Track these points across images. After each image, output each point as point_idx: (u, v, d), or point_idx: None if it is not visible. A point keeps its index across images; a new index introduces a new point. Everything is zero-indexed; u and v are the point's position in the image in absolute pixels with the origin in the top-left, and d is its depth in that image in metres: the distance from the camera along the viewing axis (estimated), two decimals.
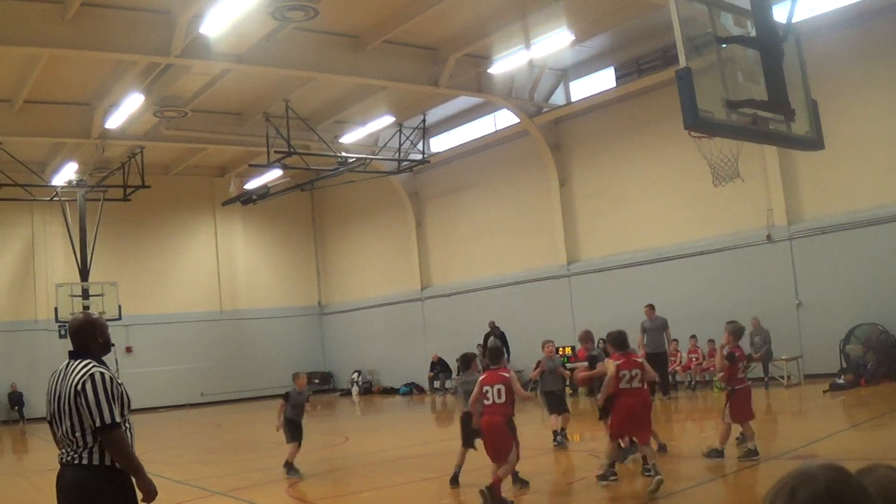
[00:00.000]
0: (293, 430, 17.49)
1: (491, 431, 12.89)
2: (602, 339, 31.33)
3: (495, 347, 14.04)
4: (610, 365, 13.47)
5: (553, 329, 32.33)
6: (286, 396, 17.74)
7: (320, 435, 27.22)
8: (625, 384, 13.27)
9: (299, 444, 17.40)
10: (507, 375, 13.10)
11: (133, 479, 6.73)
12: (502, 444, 12.90)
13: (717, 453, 14.40)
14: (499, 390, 12.81)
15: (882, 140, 25.81)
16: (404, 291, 43.86)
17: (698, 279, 30.14)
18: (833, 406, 22.32)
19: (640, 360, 13.88)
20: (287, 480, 16.61)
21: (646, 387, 13.82)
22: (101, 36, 25.30)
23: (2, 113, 32.25)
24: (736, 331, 14.97)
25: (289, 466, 17.15)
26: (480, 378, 13.07)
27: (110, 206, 37.81)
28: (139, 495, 6.80)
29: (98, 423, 6.43)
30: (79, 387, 6.48)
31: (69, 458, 6.55)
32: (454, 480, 14.50)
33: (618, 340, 13.98)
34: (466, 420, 14.76)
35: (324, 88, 33.26)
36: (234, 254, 47.87)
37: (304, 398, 18.03)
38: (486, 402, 12.82)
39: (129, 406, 6.79)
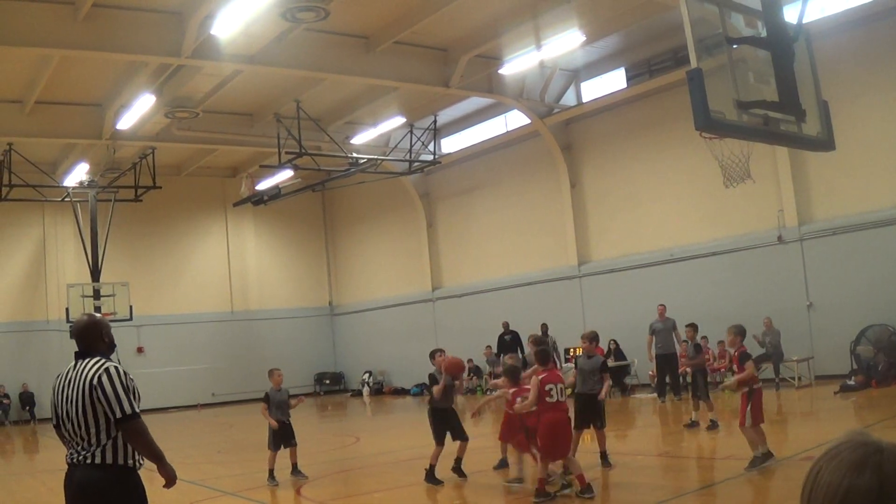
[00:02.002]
0: (283, 433, 16.93)
1: (557, 428, 12.92)
2: (614, 341, 31.56)
3: (544, 350, 13.97)
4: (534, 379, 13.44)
5: (564, 330, 32.40)
6: (266, 398, 17.21)
7: (332, 435, 27.30)
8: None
9: (295, 444, 17.05)
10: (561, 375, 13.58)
11: (156, 468, 6.79)
12: (566, 441, 13.08)
13: (762, 458, 13.63)
14: (560, 389, 12.97)
15: (893, 140, 25.76)
16: (415, 292, 43.89)
17: (709, 280, 30.09)
18: (844, 407, 22.27)
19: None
20: (300, 481, 16.61)
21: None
22: (113, 37, 25.33)
23: (13, 114, 32.31)
24: (741, 331, 14.64)
25: (270, 473, 16.66)
26: (541, 377, 13.00)
27: (122, 206, 37.91)
28: (160, 485, 6.87)
29: (119, 414, 6.48)
30: (94, 381, 6.52)
31: (79, 457, 6.56)
32: (431, 477, 15.08)
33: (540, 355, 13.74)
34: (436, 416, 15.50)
35: (335, 89, 33.27)
36: (245, 254, 47.93)
37: (286, 395, 17.45)
38: (548, 399, 12.84)
39: (139, 402, 6.81)
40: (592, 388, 15.25)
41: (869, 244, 26.17)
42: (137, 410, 6.59)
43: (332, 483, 17.17)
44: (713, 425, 19.50)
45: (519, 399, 13.86)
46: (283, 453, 16.89)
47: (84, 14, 24.18)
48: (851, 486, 2.12)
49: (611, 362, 30.32)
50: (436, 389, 15.36)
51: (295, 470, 16.94)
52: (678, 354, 25.54)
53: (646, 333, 26.09)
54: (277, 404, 17.10)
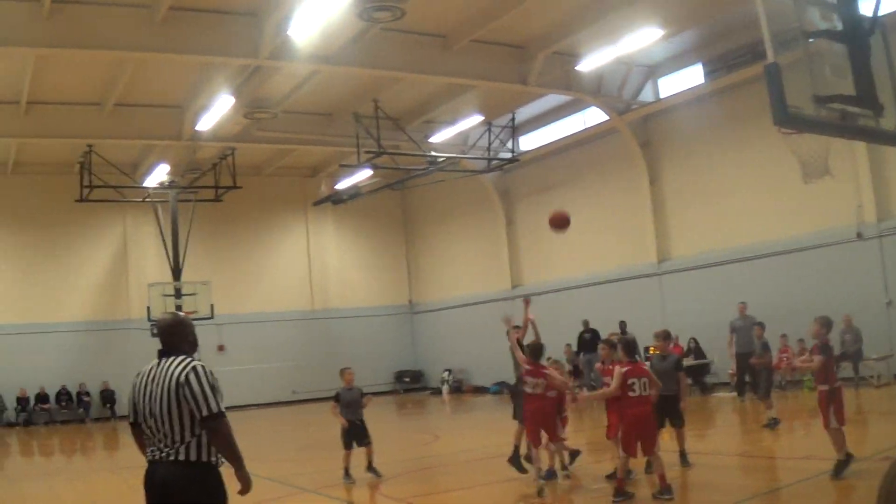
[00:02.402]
0: (355, 433, 16.91)
1: (640, 422, 12.83)
2: (694, 339, 31.35)
3: (629, 340, 13.93)
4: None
5: (644, 328, 32.19)
6: (336, 397, 17.32)
7: (411, 433, 27.40)
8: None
9: (369, 443, 16.94)
10: (647, 369, 13.49)
11: (234, 471, 6.86)
12: (650, 436, 12.95)
13: (845, 463, 12.98)
14: (644, 383, 12.89)
15: None
16: (495, 290, 43.79)
17: (788, 277, 29.77)
18: None
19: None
20: (375, 479, 16.66)
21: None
22: (189, 39, 25.61)
23: (93, 116, 32.81)
24: (827, 322, 14.06)
25: (346, 472, 16.71)
26: (623, 370, 12.89)
27: (202, 206, 38.31)
28: (236, 487, 6.93)
29: (205, 412, 6.55)
30: (181, 378, 6.60)
31: (163, 454, 6.63)
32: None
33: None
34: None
35: (412, 88, 33.36)
36: (325, 253, 48.22)
37: (358, 394, 17.37)
38: (631, 393, 12.77)
39: (223, 402, 6.87)
40: (670, 389, 15.04)
41: None
42: (223, 409, 6.67)
43: (410, 481, 17.22)
44: (773, 423, 19.42)
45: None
46: (360, 452, 16.96)
47: (161, 17, 24.47)
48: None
49: (691, 361, 30.25)
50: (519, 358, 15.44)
51: (370, 468, 16.84)
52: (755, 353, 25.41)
53: (725, 331, 25.92)
54: (347, 403, 17.14)
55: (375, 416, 17.72)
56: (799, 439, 18.34)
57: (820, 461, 13.77)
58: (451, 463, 19.66)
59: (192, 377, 6.60)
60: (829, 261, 28.85)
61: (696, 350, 31.23)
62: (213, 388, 6.64)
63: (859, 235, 27.98)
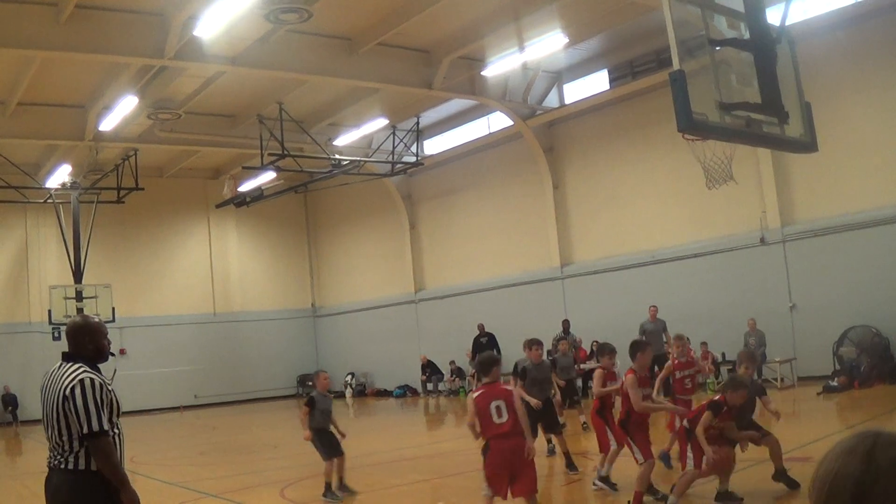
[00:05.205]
0: (329, 442, 15.01)
1: (511, 455, 10.50)
2: (596, 342, 31.52)
3: (482, 360, 12.56)
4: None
5: (546, 332, 32.36)
6: (310, 402, 15.11)
7: None
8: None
9: (342, 455, 15.10)
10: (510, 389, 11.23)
11: (120, 493, 6.59)
12: (528, 472, 10.65)
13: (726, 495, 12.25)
14: (498, 406, 11.42)
15: (875, 142, 25.89)
16: (398, 294, 43.87)
17: (692, 282, 30.17)
18: (827, 408, 22.36)
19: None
20: (282, 482, 16.57)
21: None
22: (95, 38, 25.30)
23: None
24: (738, 385, 12.90)
25: (328, 487, 14.88)
26: (474, 396, 11.98)
27: (104, 208, 37.84)
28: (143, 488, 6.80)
29: (85, 430, 6.36)
30: (67, 391, 6.41)
31: (56, 461, 6.52)
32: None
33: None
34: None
35: (318, 91, 33.28)
36: (227, 256, 47.92)
37: (330, 401, 15.73)
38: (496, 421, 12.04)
39: (118, 412, 6.69)
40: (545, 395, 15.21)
41: (851, 246, 26.27)
42: (106, 428, 6.45)
43: (315, 484, 17.12)
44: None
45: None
46: (278, 452, 16.84)
47: (67, 15, 24.13)
48: (840, 471, 2.15)
49: (593, 364, 30.46)
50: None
51: (342, 485, 15.15)
52: (667, 355, 25.64)
53: (629, 335, 26.14)
54: (322, 411, 15.19)
55: (278, 420, 17.56)
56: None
57: (740, 461, 13.91)
58: (355, 466, 19.54)
59: (77, 391, 6.40)
60: (733, 265, 29.28)
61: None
62: (98, 404, 6.43)
63: (763, 241, 28.40)
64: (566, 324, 32.04)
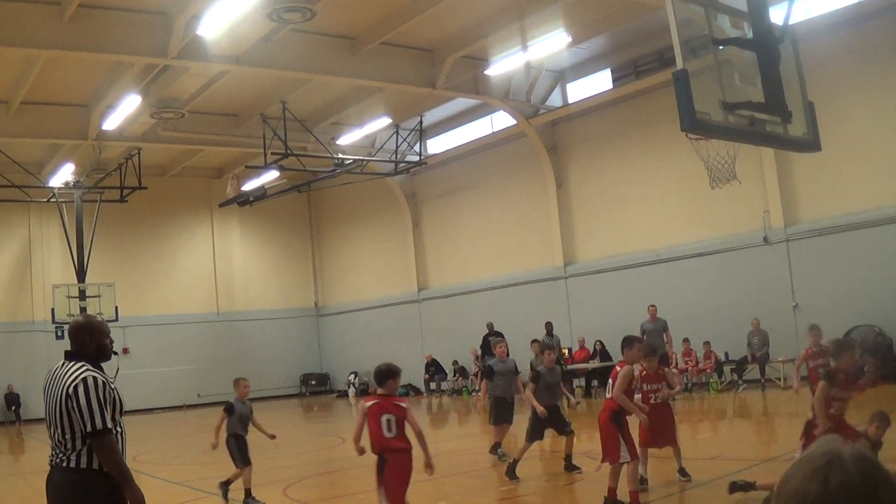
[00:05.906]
0: (245, 449, 15.03)
1: (405, 471, 11.01)
2: (600, 341, 31.53)
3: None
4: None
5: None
6: (229, 409, 15.15)
7: (317, 436, 27.24)
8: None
9: (250, 465, 14.91)
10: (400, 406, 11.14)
11: (124, 489, 6.58)
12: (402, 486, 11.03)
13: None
14: (390, 420, 10.82)
15: (878, 141, 25.85)
16: (401, 293, 43.89)
17: (695, 281, 30.15)
18: None
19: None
20: (284, 481, 16.53)
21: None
22: (99, 37, 25.31)
23: (0, 114, 32.27)
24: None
25: (224, 485, 15.11)
26: (367, 406, 11.07)
27: (107, 207, 37.81)
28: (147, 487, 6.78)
29: (89, 428, 6.35)
30: (70, 390, 6.40)
31: (58, 460, 6.51)
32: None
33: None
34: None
35: (321, 90, 33.28)
36: (231, 255, 47.93)
37: (250, 409, 15.51)
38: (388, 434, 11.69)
39: (121, 410, 6.71)
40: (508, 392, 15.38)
41: (854, 245, 26.25)
42: (109, 426, 6.45)
43: (317, 484, 17.15)
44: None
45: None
46: (279, 452, 16.77)
47: (70, 14, 24.15)
48: (799, 492, 2.19)
49: (596, 363, 30.52)
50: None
51: (249, 496, 14.83)
52: (668, 355, 25.63)
53: (632, 334, 26.12)
54: (241, 417, 15.18)
55: (282, 419, 17.53)
56: (706, 441, 18.50)
57: (728, 461, 13.92)
58: (357, 466, 19.50)
59: (80, 389, 6.39)
60: (736, 265, 29.26)
61: (602, 353, 31.41)
62: (102, 402, 6.43)
63: (766, 240, 28.38)
64: (549, 326, 31.99)
